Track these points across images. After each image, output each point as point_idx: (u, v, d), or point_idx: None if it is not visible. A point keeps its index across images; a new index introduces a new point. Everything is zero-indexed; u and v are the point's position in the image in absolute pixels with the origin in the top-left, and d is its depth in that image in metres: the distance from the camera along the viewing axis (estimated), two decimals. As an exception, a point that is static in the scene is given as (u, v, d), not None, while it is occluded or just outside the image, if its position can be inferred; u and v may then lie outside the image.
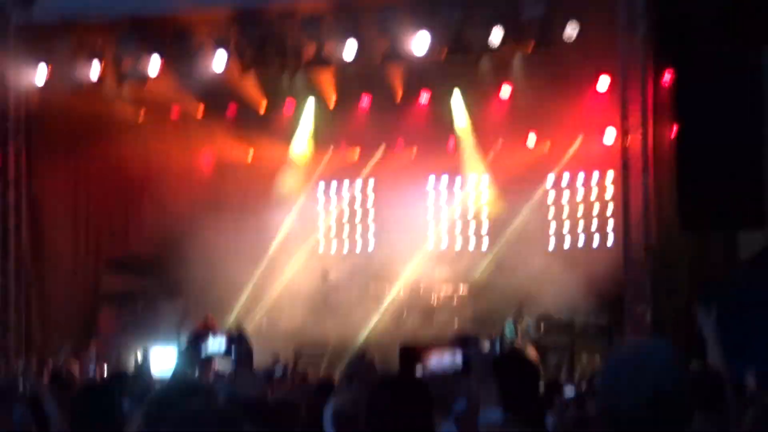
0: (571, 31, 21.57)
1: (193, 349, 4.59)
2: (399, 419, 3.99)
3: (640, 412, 2.78)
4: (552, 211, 26.09)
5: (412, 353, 3.48)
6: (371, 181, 27.99)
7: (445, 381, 3.79)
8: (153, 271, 26.38)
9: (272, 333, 24.14)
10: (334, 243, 28.18)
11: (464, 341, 3.67)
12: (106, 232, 26.72)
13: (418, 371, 3.66)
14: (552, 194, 26.15)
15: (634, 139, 20.88)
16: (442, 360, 3.66)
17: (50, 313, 24.78)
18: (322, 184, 28.37)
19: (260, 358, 20.37)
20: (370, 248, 27.84)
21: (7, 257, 23.65)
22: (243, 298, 25.03)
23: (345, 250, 28.04)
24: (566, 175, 26.01)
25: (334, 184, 28.43)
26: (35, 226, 24.52)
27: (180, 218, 24.59)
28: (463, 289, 25.32)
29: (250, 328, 22.25)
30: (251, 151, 28.12)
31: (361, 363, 7.58)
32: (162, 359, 21.60)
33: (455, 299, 25.28)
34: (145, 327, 24.21)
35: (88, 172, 26.01)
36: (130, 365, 20.07)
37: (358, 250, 27.98)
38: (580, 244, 25.52)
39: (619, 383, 2.83)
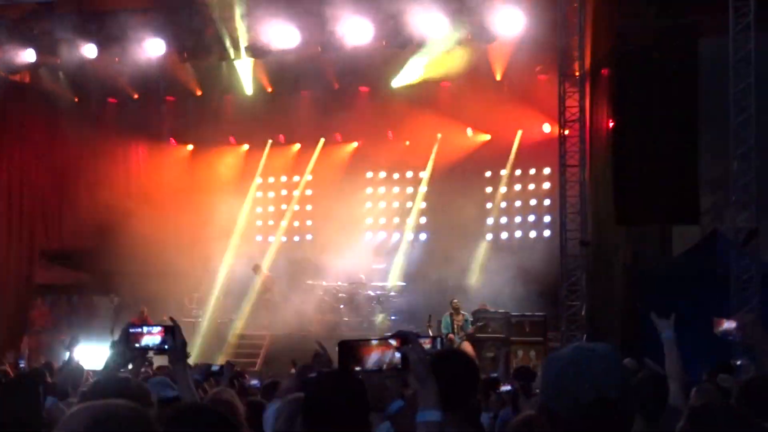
0: (512, 24, 21.49)
1: (125, 342, 4.59)
2: (335, 417, 3.96)
3: (581, 417, 2.79)
4: (490, 204, 26.27)
5: (350, 350, 3.52)
6: (309, 176, 28.04)
7: (382, 379, 3.77)
8: (88, 264, 25.81)
9: (209, 326, 24.40)
10: (271, 236, 28.13)
11: (403, 338, 3.64)
12: (40, 222, 25.90)
13: (356, 368, 3.63)
14: (490, 188, 26.36)
15: (571, 135, 21.01)
16: (380, 358, 3.62)
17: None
18: (259, 176, 28.40)
19: (195, 352, 20.51)
20: (308, 240, 27.88)
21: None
22: (179, 291, 24.79)
23: (282, 243, 27.98)
24: (505, 170, 26.16)
25: (271, 177, 28.53)
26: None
27: (115, 209, 24.10)
28: (400, 282, 25.30)
29: (185, 321, 22.34)
30: (187, 143, 28.25)
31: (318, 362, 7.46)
32: (95, 354, 21.38)
33: (392, 292, 25.22)
34: (78, 321, 23.87)
35: (23, 159, 25.15)
36: (62, 360, 19.66)
37: (296, 242, 28.02)
38: (518, 236, 25.72)
39: (561, 387, 2.81)
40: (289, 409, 4.83)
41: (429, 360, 3.59)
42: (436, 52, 22.84)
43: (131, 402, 2.96)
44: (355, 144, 27.45)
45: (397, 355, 3.61)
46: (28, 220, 25.53)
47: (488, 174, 26.35)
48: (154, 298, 23.42)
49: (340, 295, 24.92)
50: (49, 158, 25.30)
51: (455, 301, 22.07)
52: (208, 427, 3.49)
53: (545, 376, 2.91)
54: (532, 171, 25.89)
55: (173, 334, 4.98)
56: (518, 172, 26.13)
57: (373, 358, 3.65)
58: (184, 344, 5.14)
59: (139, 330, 4.98)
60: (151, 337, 4.97)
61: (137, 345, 4.92)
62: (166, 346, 4.97)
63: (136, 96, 26.38)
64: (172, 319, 5.36)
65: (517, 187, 26.18)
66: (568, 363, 2.85)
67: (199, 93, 26.39)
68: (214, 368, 9.53)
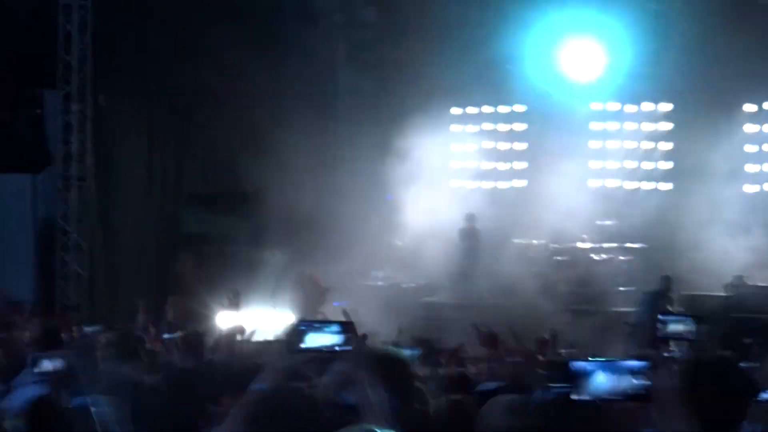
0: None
1: (289, 343, 3.85)
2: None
3: None
4: (751, 147, 23.46)
5: (575, 371, 2.53)
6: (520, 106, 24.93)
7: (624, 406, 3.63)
8: (244, 211, 23.96)
9: (391, 292, 22.11)
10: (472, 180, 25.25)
11: (646, 360, 3.47)
12: (188, 159, 24.53)
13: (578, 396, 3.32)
14: (753, 125, 23.45)
15: None
16: (615, 383, 3.38)
17: (119, 260, 22.77)
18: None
19: (379, 321, 17.19)
20: (518, 188, 24.80)
21: (69, 187, 21.71)
22: (359, 247, 22.01)
23: (485, 189, 24.90)
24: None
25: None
26: (102, 148, 22.49)
27: (276, 144, 21.53)
28: (633, 243, 22.73)
29: (363, 286, 21.20)
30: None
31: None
32: (256, 321, 17.97)
33: (622, 255, 22.70)
34: (235, 280, 21.15)
35: (169, 88, 23.50)
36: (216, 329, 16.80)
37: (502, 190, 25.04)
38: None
39: None
40: None
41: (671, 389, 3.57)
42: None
43: None
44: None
45: (635, 381, 3.47)
46: (173, 156, 24.36)
47: (748, 108, 23.31)
48: (324, 254, 21.23)
49: (555, 258, 22.74)
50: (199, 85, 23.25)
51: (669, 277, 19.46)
52: None
53: None
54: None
55: (349, 331, 4.40)
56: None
57: (606, 382, 3.44)
58: (363, 344, 5.15)
59: (305, 328, 4.40)
60: (321, 336, 4.37)
61: (302, 346, 4.34)
62: (339, 348, 4.39)
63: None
64: (345, 312, 5.65)
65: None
66: None
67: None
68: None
